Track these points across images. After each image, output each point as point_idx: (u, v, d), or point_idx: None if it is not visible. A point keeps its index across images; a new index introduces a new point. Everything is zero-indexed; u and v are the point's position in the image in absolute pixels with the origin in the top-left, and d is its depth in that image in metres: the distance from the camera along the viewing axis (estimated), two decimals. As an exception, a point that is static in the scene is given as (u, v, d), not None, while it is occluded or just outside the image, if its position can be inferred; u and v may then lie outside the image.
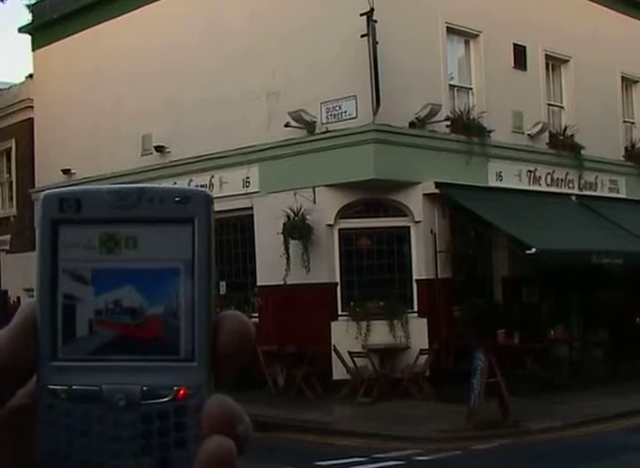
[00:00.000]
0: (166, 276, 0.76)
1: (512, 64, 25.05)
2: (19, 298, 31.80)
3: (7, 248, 31.82)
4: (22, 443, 0.76)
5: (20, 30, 32.87)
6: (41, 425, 0.75)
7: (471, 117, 23.35)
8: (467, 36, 24.42)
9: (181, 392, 0.75)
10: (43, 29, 31.14)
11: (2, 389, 0.75)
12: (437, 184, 21.91)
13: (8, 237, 31.78)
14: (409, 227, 22.35)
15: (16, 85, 34.77)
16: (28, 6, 32.53)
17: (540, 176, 25.29)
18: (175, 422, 0.75)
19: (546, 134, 25.53)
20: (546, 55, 26.19)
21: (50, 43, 30.68)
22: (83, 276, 0.76)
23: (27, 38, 32.66)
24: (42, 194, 0.79)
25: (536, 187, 24.95)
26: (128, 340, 0.76)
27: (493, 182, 23.83)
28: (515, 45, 25.12)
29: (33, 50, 32.21)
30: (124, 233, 0.76)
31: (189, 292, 0.76)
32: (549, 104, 26.48)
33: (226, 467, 0.72)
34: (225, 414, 0.74)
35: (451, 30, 23.75)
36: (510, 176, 24.26)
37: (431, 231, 22.13)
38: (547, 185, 25.46)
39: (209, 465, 0.72)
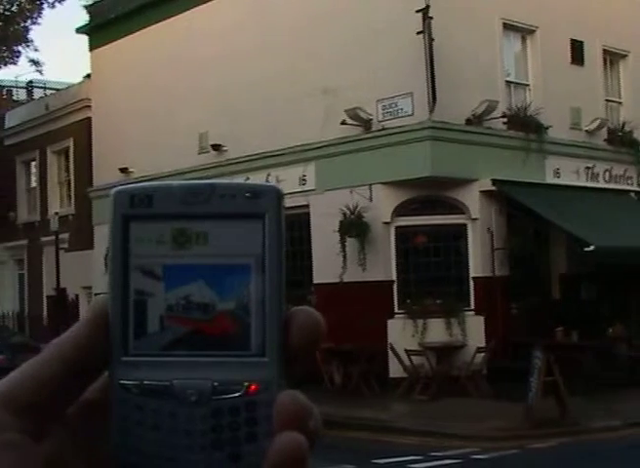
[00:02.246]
0: (237, 272, 0.76)
1: (570, 60, 24.90)
2: (77, 296, 32.23)
3: (65, 246, 32.17)
4: (94, 437, 0.78)
5: (78, 31, 33.28)
6: (113, 420, 0.76)
7: (528, 113, 23.25)
8: (524, 32, 24.31)
9: (252, 387, 0.75)
10: (100, 29, 31.50)
11: (74, 385, 0.76)
12: (494, 181, 21.86)
13: (66, 235, 32.13)
14: (466, 225, 22.31)
15: (74, 85, 35.29)
16: (86, 7, 32.94)
17: (598, 173, 25.11)
18: (246, 417, 0.75)
19: (604, 130, 25.34)
20: (604, 50, 25.98)
21: (107, 43, 31.01)
22: (154, 272, 0.77)
23: (85, 38, 33.08)
24: (113, 190, 0.79)
25: (594, 184, 24.78)
26: (199, 336, 0.76)
27: (550, 179, 23.70)
28: (572, 40, 24.96)
29: (91, 50, 32.58)
30: (195, 229, 0.77)
31: (260, 287, 0.76)
32: (607, 100, 26.26)
33: (298, 463, 0.73)
34: (297, 410, 0.74)
35: (507, 26, 23.66)
36: (568, 173, 24.11)
37: (488, 229, 22.08)
38: (606, 182, 25.27)
39: (281, 460, 0.73)
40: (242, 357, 0.76)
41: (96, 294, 30.39)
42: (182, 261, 0.76)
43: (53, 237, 30.77)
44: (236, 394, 0.75)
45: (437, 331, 21.66)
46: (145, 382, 0.75)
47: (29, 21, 35.65)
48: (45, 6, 36.29)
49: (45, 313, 34.53)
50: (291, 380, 0.77)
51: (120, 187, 0.79)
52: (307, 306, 0.79)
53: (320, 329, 0.78)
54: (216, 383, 0.75)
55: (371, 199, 22.10)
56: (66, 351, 0.76)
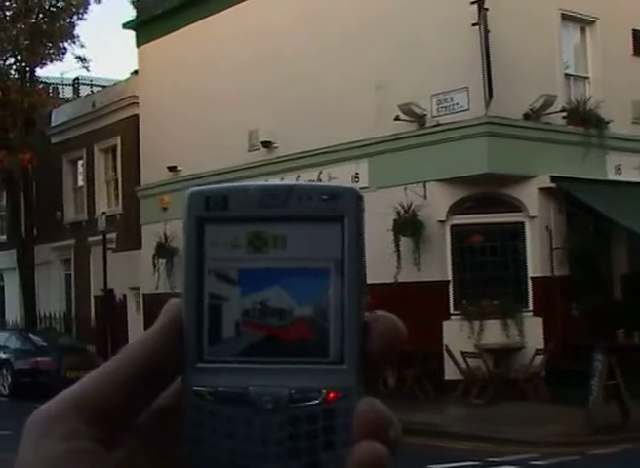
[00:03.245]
0: (315, 276, 0.76)
1: (631, 51, 24.69)
2: (124, 297, 32.52)
3: (113, 246, 32.44)
4: (166, 445, 0.78)
5: (125, 26, 33.62)
6: (186, 426, 0.76)
7: (588, 108, 23.12)
8: (583, 23, 24.17)
9: (331, 395, 0.75)
10: (147, 25, 31.80)
11: (147, 391, 0.76)
12: (553, 178, 21.76)
13: (114, 235, 32.40)
14: (523, 223, 22.24)
15: (120, 82, 35.54)
16: (132, 2, 33.22)
17: (661, 169, 24.89)
18: (323, 426, 0.75)
19: (668, 124, 25.12)
20: (668, 40, 25.75)
21: (154, 38, 31.29)
22: (230, 276, 0.77)
23: (132, 34, 33.40)
24: (188, 191, 0.79)
25: (657, 180, 24.57)
26: (275, 342, 0.76)
27: (611, 176, 23.54)
28: (634, 31, 24.74)
29: (138, 46, 32.89)
30: (272, 232, 0.76)
31: (339, 292, 0.76)
32: (671, 93, 26.02)
33: None
34: (377, 418, 0.74)
35: (566, 17, 23.54)
36: (630, 169, 23.91)
37: (547, 227, 22.00)
38: (669, 178, 25.04)
39: None
40: (320, 364, 0.76)
41: (143, 295, 30.72)
42: (259, 265, 0.76)
43: (100, 237, 31.07)
44: (314, 401, 0.75)
45: (494, 332, 21.62)
46: (220, 389, 0.75)
47: (75, 17, 35.92)
48: (91, 1, 36.67)
49: (92, 314, 34.82)
50: (369, 387, 0.76)
51: (195, 188, 0.80)
52: (386, 312, 0.78)
53: (400, 335, 0.77)
54: (293, 390, 0.75)
55: (425, 197, 22.11)
56: (140, 356, 0.76)
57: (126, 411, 0.76)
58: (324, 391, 0.75)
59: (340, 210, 0.76)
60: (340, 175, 23.52)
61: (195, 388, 0.76)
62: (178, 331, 0.77)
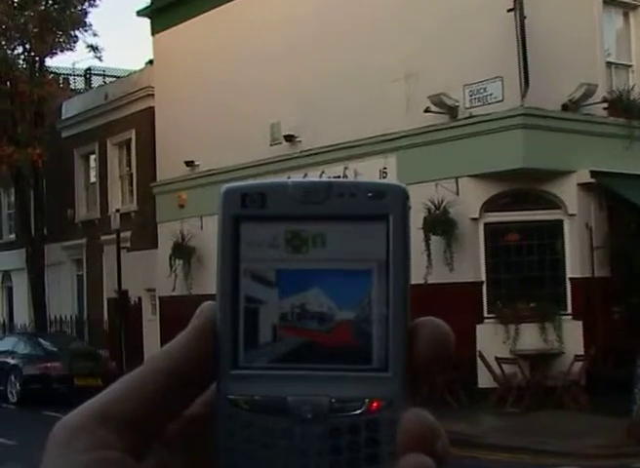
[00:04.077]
0: (357, 278, 0.76)
1: (678, 38, 24.62)
2: (140, 299, 32.61)
3: (127, 245, 32.55)
4: (197, 456, 0.78)
5: (139, 13, 33.71)
6: (220, 436, 0.76)
7: (631, 98, 23.04)
8: (627, 7, 24.10)
9: (374, 404, 0.74)
10: (163, 12, 31.88)
11: (179, 399, 0.77)
12: (593, 173, 21.69)
13: (128, 234, 32.48)
14: (562, 221, 22.19)
15: (135, 72, 35.67)
16: (147, -13, 33.36)
17: None
18: (366, 437, 0.74)
19: None
20: None
21: (170, 26, 31.37)
22: (267, 277, 0.77)
23: (147, 22, 33.48)
24: (223, 188, 0.79)
25: None
26: (315, 348, 0.76)
27: (656, 170, 23.47)
28: (681, 16, 24.69)
29: (153, 34, 32.99)
30: (311, 231, 0.76)
31: (383, 295, 0.75)
32: None
33: None
34: (424, 430, 0.73)
35: (608, 1, 23.47)
36: (676, 163, 23.82)
37: (587, 225, 21.94)
38: None
39: None
40: (363, 371, 0.75)
41: (159, 297, 30.83)
42: (298, 266, 0.76)
43: (114, 236, 31.13)
44: (356, 411, 0.74)
45: (531, 336, 21.58)
46: (256, 397, 0.75)
47: (87, 4, 36.10)
48: (104, -13, 36.86)
49: (105, 317, 34.96)
50: (415, 396, 0.76)
51: (230, 185, 0.79)
52: (432, 317, 0.78)
53: (449, 342, 0.77)
54: (334, 400, 0.75)
55: (457, 193, 22.11)
56: (172, 363, 0.76)
57: (155, 421, 0.76)
58: (367, 400, 0.75)
59: (385, 208, 0.76)
60: (366, 171, 23.51)
61: (230, 396, 0.76)
62: (212, 336, 0.77)
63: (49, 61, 37.60)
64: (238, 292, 0.77)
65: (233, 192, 0.78)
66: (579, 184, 21.93)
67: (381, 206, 0.76)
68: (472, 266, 22.17)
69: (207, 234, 27.00)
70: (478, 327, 21.97)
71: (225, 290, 0.77)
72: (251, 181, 0.79)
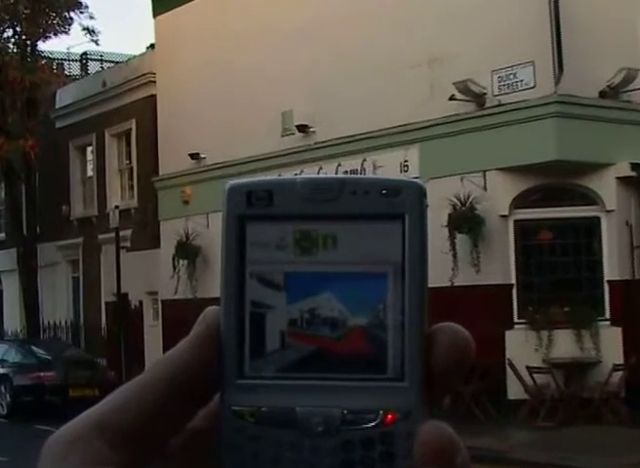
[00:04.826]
0: (371, 281, 0.76)
1: None
2: (140, 303, 32.70)
3: (127, 245, 32.63)
4: None
5: (140, -7, 33.78)
6: (224, 451, 0.76)
7: (676, 84, 23.00)
8: (671, -14, 24.02)
9: (389, 416, 0.74)
10: (166, -8, 31.99)
11: (181, 411, 0.77)
12: (633, 166, 21.66)
13: (128, 232, 32.57)
14: (599, 218, 22.16)
15: (135, 57, 35.74)
16: (149, -35, 33.40)
17: None
18: (381, 451, 0.74)
19: None
20: None
21: (173, 7, 31.47)
22: (274, 281, 0.77)
23: (147, 2, 33.56)
24: (227, 185, 0.79)
25: None
26: (326, 356, 0.76)
27: (702, 163, 23.42)
28: None
29: (154, 16, 33.08)
30: (322, 231, 0.77)
31: (399, 300, 0.76)
32: None
33: None
34: (443, 444, 0.73)
35: (650, -21, 23.42)
36: None
37: (627, 222, 21.91)
38: None
39: None
40: (377, 381, 0.76)
41: (161, 301, 30.87)
42: (307, 269, 0.77)
43: (112, 234, 31.29)
44: (370, 424, 0.75)
45: (565, 344, 21.57)
46: (263, 409, 0.76)
47: (83, -17, 36.27)
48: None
49: (103, 323, 35.09)
50: (433, 408, 0.77)
51: (234, 182, 0.79)
52: (451, 322, 0.78)
53: (469, 349, 0.78)
54: (346, 411, 0.75)
55: (485, 188, 22.10)
56: (173, 372, 0.76)
57: (156, 434, 0.76)
58: (381, 412, 0.75)
59: (401, 206, 0.76)
60: (386, 164, 23.53)
61: (235, 408, 0.76)
62: (215, 343, 0.77)
63: (41, 45, 37.80)
64: (244, 296, 0.78)
65: (238, 190, 0.78)
66: (617, 178, 21.89)
67: (397, 204, 0.76)
68: (501, 267, 22.15)
69: (213, 233, 27.05)
70: (507, 333, 21.95)
71: (230, 294, 0.78)
72: (258, 177, 0.80)
